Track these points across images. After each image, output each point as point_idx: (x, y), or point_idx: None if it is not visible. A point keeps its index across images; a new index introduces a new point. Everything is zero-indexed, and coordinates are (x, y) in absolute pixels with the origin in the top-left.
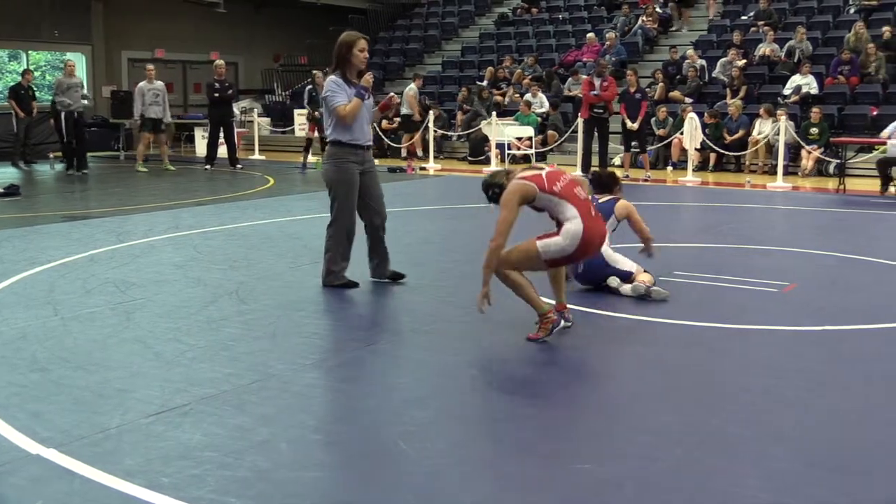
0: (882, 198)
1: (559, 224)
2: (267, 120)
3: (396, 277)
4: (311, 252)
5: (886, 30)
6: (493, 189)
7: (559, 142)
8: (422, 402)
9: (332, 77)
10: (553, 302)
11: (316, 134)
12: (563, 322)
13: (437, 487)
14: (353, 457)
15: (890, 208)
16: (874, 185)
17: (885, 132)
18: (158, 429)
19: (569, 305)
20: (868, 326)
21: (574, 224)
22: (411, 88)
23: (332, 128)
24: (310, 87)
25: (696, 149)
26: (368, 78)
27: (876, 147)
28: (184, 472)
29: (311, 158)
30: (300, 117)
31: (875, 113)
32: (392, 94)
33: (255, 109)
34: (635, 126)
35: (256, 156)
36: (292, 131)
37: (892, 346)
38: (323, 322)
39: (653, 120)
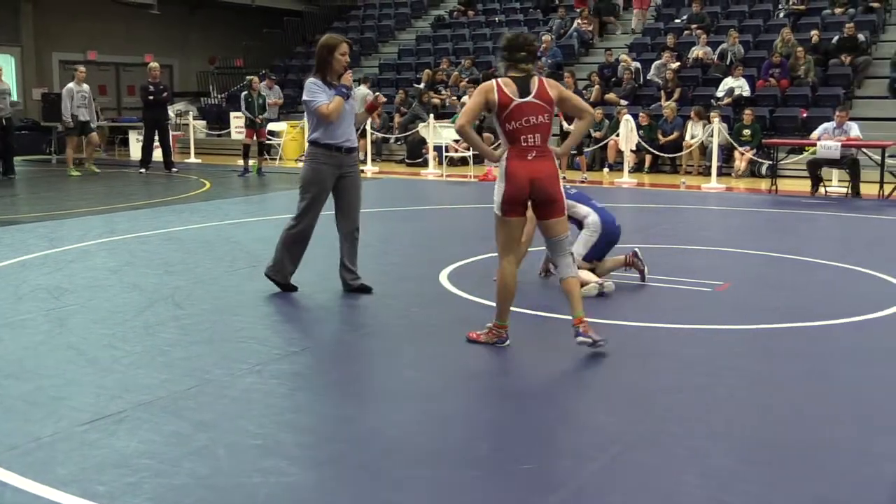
0: (812, 198)
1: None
2: (203, 123)
3: (363, 290)
4: (249, 256)
5: (814, 34)
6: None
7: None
8: (358, 405)
9: (311, 79)
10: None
11: (254, 139)
12: (580, 338)
13: (376, 487)
14: (293, 462)
15: (820, 208)
16: (805, 185)
17: (815, 134)
18: (93, 437)
19: (518, 310)
20: (800, 324)
21: (502, 164)
22: (360, 90)
23: (314, 128)
24: (245, 92)
25: (631, 150)
26: (348, 76)
27: (806, 148)
28: (119, 481)
29: (251, 162)
30: (237, 120)
31: (805, 115)
32: (378, 94)
33: (191, 112)
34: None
35: (192, 159)
36: (228, 134)
37: (823, 344)
38: (261, 326)
39: None
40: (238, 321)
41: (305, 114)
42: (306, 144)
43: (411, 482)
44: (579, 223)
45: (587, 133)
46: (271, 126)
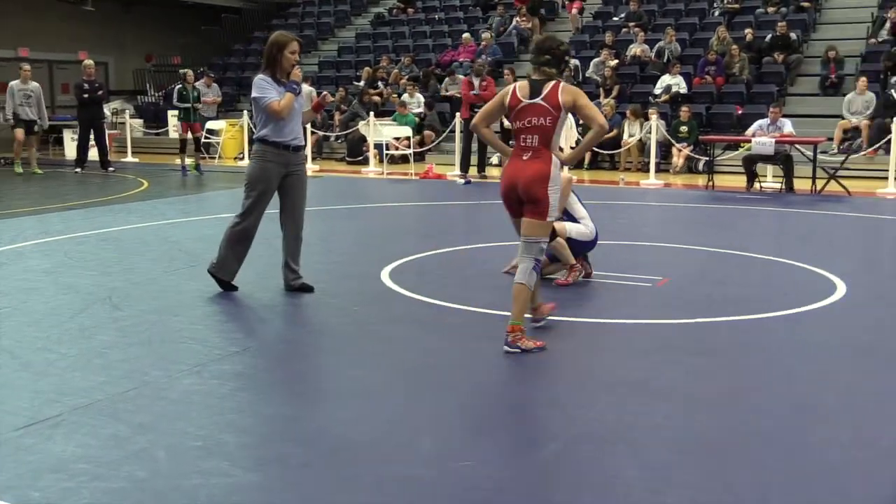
0: (748, 193)
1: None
2: (140, 121)
3: (305, 290)
4: (188, 256)
5: (748, 32)
6: (548, 55)
7: (437, 142)
8: (301, 405)
9: (260, 76)
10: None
11: (189, 135)
12: (506, 347)
13: (321, 487)
14: (235, 463)
15: (756, 203)
16: (741, 181)
17: (750, 130)
18: (28, 442)
19: (450, 304)
20: (737, 318)
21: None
22: (304, 88)
23: (262, 126)
24: (179, 85)
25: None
26: (297, 72)
27: (742, 145)
28: (56, 486)
29: (187, 160)
30: (175, 119)
31: (740, 112)
32: (325, 92)
33: (127, 111)
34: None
35: (129, 158)
36: (166, 133)
37: (759, 336)
38: (201, 327)
39: None
40: (177, 322)
41: (253, 111)
42: (249, 143)
43: (356, 481)
44: (573, 219)
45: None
46: (211, 125)
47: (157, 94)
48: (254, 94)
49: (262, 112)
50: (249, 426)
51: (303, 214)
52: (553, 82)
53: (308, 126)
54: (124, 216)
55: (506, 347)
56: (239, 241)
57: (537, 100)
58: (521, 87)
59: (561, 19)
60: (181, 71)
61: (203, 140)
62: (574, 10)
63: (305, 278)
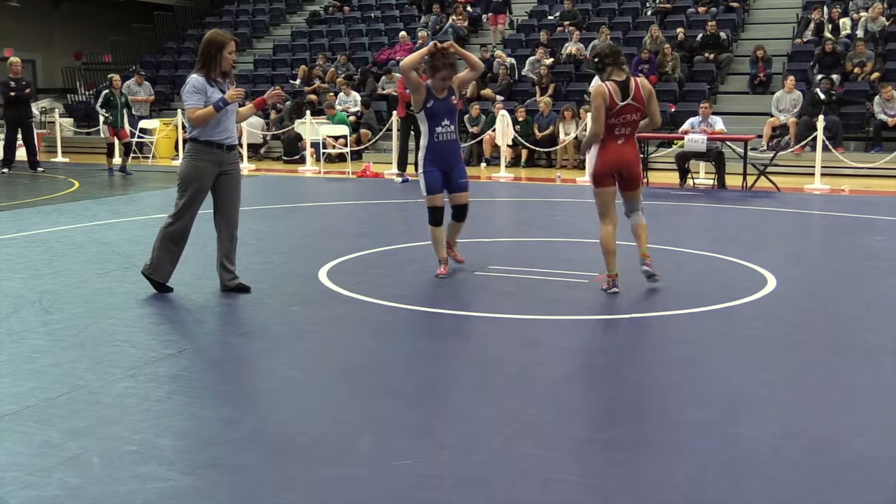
0: (681, 190)
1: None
2: (70, 121)
3: (240, 290)
4: (121, 258)
5: (680, 31)
6: (597, 59)
7: (373, 140)
8: (239, 407)
9: (194, 76)
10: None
11: (116, 140)
12: (646, 268)
13: (258, 489)
14: (171, 467)
15: (689, 200)
16: (674, 177)
17: (683, 128)
18: None
19: (388, 303)
20: (671, 312)
21: (593, 151)
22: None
23: (191, 125)
24: (106, 91)
25: (507, 145)
26: (234, 93)
27: (675, 142)
28: None
29: (116, 160)
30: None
31: (673, 109)
32: (278, 88)
33: (57, 109)
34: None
35: (59, 158)
36: (97, 132)
37: (693, 330)
38: (135, 329)
39: (466, 117)
40: (111, 325)
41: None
42: (183, 142)
43: (294, 482)
44: None
45: (463, 129)
46: (143, 123)
47: (88, 93)
48: (183, 89)
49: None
50: (185, 429)
51: (237, 214)
52: (633, 80)
53: (244, 125)
54: (55, 217)
55: (645, 268)
56: (173, 241)
57: (629, 101)
58: (613, 90)
59: (484, 30)
60: (109, 76)
61: (136, 139)
62: (500, 25)
63: (242, 279)
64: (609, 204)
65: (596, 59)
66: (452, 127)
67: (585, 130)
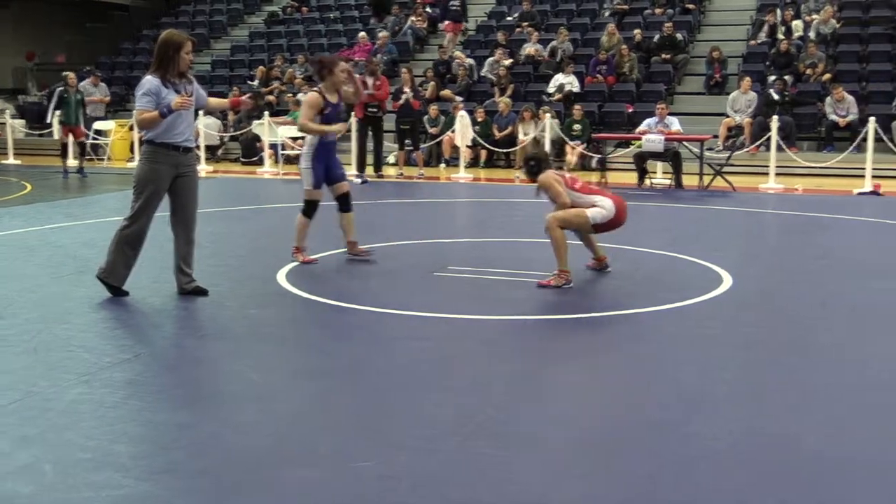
0: (639, 190)
1: (590, 207)
2: (21, 122)
3: (199, 293)
4: (75, 261)
5: (637, 32)
6: (532, 161)
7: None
8: (198, 410)
9: (149, 77)
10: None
11: (70, 138)
12: (608, 269)
13: (217, 494)
14: (127, 474)
15: (646, 199)
16: (632, 177)
17: (640, 128)
18: None
19: (347, 304)
20: (629, 311)
21: (607, 203)
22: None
23: (139, 127)
24: (61, 88)
25: (467, 146)
26: (181, 102)
27: (633, 142)
28: None
29: (72, 162)
30: (57, 115)
31: (631, 110)
32: (251, 94)
33: (8, 111)
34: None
35: (11, 160)
36: (51, 134)
37: (650, 329)
38: (90, 334)
39: (425, 118)
40: (65, 330)
41: None
42: (140, 143)
43: (253, 485)
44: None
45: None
46: (98, 125)
47: (41, 94)
48: (137, 89)
49: None
50: (141, 435)
51: (195, 216)
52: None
53: (201, 126)
54: (7, 220)
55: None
56: (128, 244)
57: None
58: (559, 174)
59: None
60: (63, 74)
61: (91, 141)
62: (458, 34)
63: (199, 282)
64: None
65: (532, 163)
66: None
67: (544, 131)
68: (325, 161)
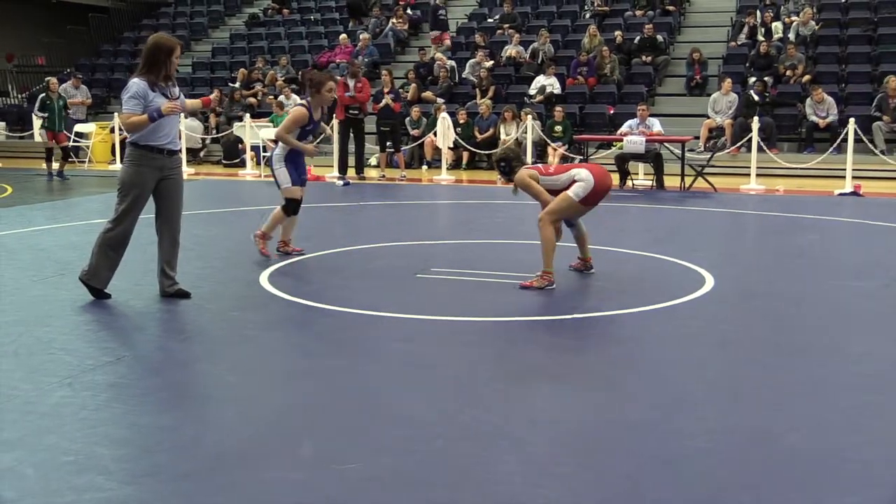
0: (621, 191)
1: (566, 188)
2: (2, 124)
3: (180, 295)
4: (57, 264)
5: (618, 34)
6: (503, 163)
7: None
8: (180, 412)
9: (136, 80)
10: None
11: (55, 144)
12: (591, 270)
13: (200, 497)
14: (109, 477)
15: (628, 201)
16: (614, 179)
17: (622, 130)
18: None
19: (330, 307)
20: (611, 312)
21: (583, 172)
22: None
23: (125, 129)
24: (43, 94)
25: (449, 148)
26: (171, 107)
27: (614, 143)
28: None
29: (54, 166)
30: (40, 124)
31: (612, 111)
32: (216, 92)
33: None
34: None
35: None
36: (31, 136)
37: (633, 330)
38: (72, 337)
39: (407, 120)
40: (47, 332)
41: None
42: (121, 146)
43: (236, 488)
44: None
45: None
46: (79, 127)
47: (21, 96)
48: (124, 92)
49: None
50: (124, 438)
51: (180, 219)
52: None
53: (182, 128)
54: None
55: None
56: (112, 247)
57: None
58: (533, 169)
59: (423, 33)
60: (46, 79)
61: (72, 144)
62: (445, 41)
63: (182, 284)
64: (573, 217)
65: (502, 164)
66: None
67: (526, 133)
68: (294, 163)
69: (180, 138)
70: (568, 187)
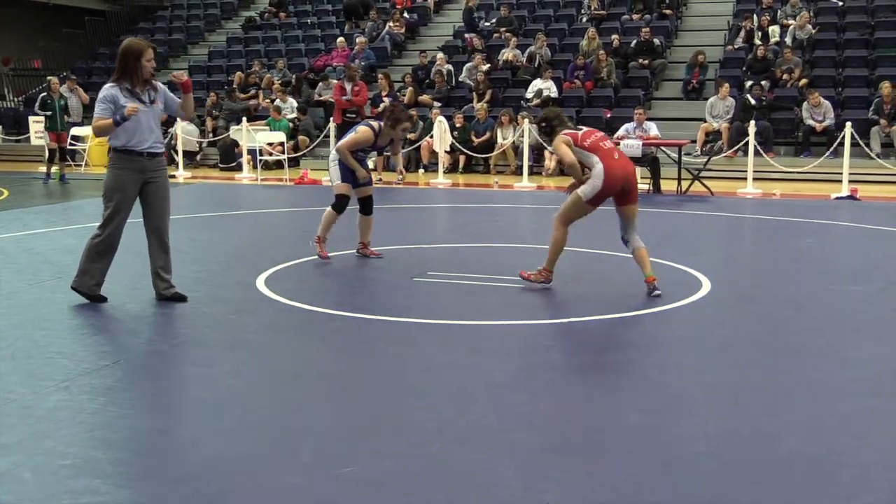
0: None
1: (589, 169)
2: None
3: (178, 299)
4: (54, 268)
5: (615, 38)
6: (544, 123)
7: (311, 147)
8: (177, 417)
9: (107, 86)
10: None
11: (56, 145)
12: (655, 291)
13: (196, 501)
14: (106, 480)
15: None
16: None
17: (619, 133)
18: None
19: (327, 310)
20: (608, 316)
21: (598, 167)
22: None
23: (114, 134)
24: (44, 94)
25: (445, 151)
26: (132, 109)
27: None
28: None
29: (53, 168)
30: (36, 125)
31: (609, 115)
32: (179, 71)
33: None
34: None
35: None
36: (28, 139)
37: (630, 334)
38: (69, 340)
39: None
40: (43, 336)
41: None
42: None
43: (233, 492)
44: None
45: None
46: (75, 131)
47: (17, 100)
48: (98, 98)
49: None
50: (121, 441)
51: (167, 221)
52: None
53: (179, 131)
54: None
55: (656, 292)
56: (100, 253)
57: (585, 130)
58: (570, 134)
59: (434, 24)
60: (48, 79)
61: (68, 147)
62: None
63: (178, 287)
64: (581, 218)
65: (543, 125)
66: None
67: (523, 136)
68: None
69: (175, 141)
70: (589, 168)
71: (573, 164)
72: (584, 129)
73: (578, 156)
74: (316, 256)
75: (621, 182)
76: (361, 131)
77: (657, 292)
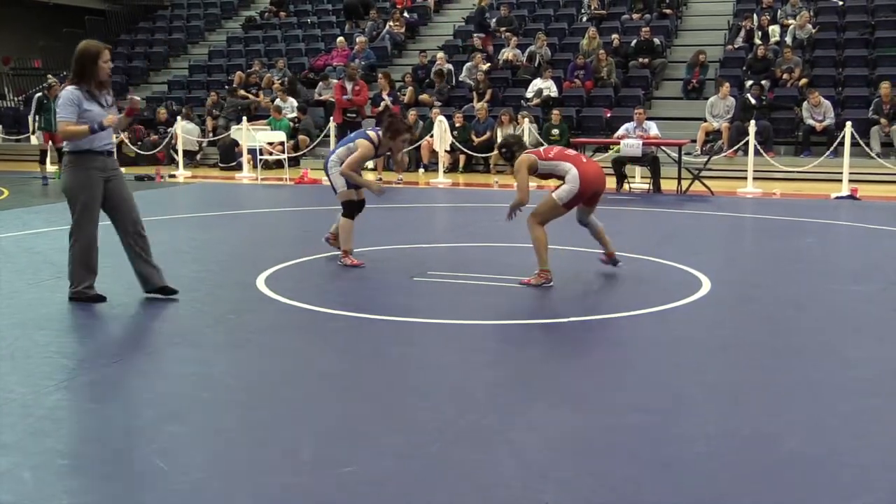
0: (618, 194)
1: (562, 178)
2: None
3: (167, 292)
4: (53, 267)
5: (615, 37)
6: (504, 149)
7: (311, 146)
8: (177, 416)
9: (69, 88)
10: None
11: (50, 144)
12: (619, 263)
13: (199, 502)
14: (106, 480)
15: (625, 204)
16: (611, 182)
17: (619, 133)
18: None
19: (327, 310)
20: (608, 315)
21: (572, 172)
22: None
23: (63, 137)
24: (39, 94)
25: (445, 151)
26: (112, 120)
27: (611, 147)
28: None
29: (50, 168)
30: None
31: (609, 115)
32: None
33: None
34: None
35: None
36: (28, 139)
37: (629, 334)
38: (68, 340)
39: None
40: (43, 335)
41: None
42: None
43: (234, 493)
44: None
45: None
46: None
47: (17, 99)
48: (57, 107)
49: None
50: (121, 441)
51: (138, 213)
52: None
53: (178, 131)
54: None
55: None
56: (84, 254)
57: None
58: (532, 156)
59: (433, 23)
60: (48, 78)
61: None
62: (487, 46)
63: (178, 288)
64: (554, 219)
65: (504, 150)
66: None
67: (523, 136)
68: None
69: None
70: (562, 178)
71: (523, 190)
72: (545, 146)
73: (549, 169)
74: (309, 256)
75: (596, 184)
76: (362, 147)
77: (620, 263)
